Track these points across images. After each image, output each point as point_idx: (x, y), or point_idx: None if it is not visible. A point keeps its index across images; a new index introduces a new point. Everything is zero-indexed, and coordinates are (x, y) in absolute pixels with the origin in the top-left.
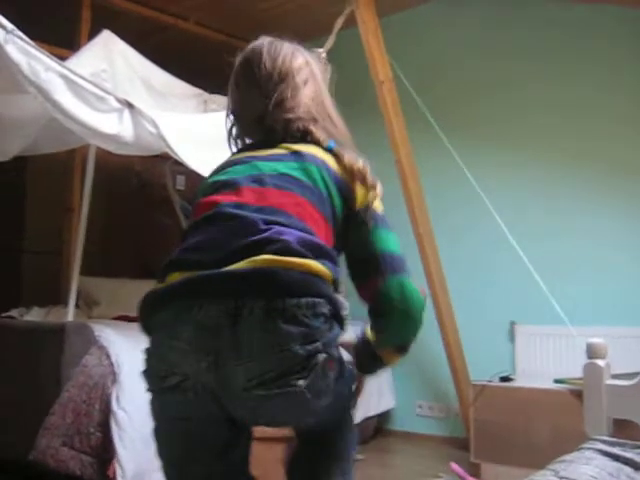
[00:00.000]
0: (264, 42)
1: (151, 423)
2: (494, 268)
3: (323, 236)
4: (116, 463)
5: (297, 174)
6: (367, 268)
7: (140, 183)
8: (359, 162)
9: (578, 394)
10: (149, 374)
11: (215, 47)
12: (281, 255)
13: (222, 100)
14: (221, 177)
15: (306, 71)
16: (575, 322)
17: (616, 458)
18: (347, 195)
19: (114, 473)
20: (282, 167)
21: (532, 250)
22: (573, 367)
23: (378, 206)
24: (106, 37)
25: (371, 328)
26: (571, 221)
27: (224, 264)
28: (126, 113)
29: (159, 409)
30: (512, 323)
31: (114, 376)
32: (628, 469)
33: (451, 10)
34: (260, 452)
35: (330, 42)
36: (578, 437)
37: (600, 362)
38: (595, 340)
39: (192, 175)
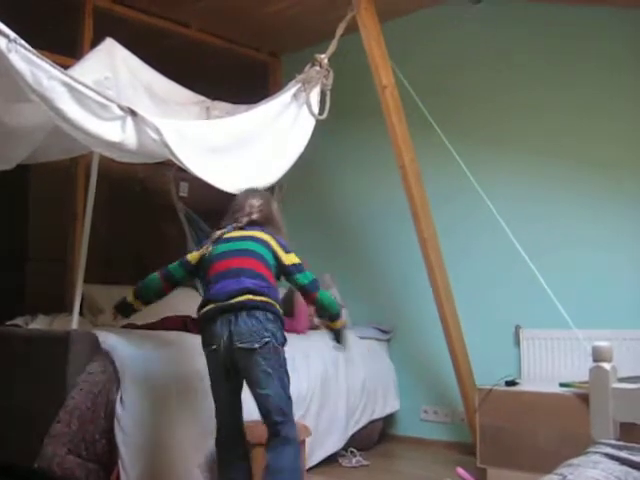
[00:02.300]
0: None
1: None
2: (498, 272)
3: (269, 275)
4: (120, 468)
5: (252, 248)
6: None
7: (143, 190)
8: (284, 241)
9: (584, 398)
10: (206, 345)
11: (217, 54)
12: (252, 294)
13: (224, 107)
14: (219, 251)
15: (266, 204)
16: (580, 325)
17: (623, 462)
18: (276, 257)
19: (118, 477)
20: (245, 245)
21: (536, 254)
22: (579, 370)
23: (295, 260)
24: (109, 45)
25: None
26: (575, 225)
27: (229, 299)
28: (129, 120)
29: (208, 360)
30: (517, 327)
31: (118, 382)
32: (636, 473)
33: (452, 14)
34: (263, 458)
35: (332, 48)
36: (585, 441)
37: (606, 365)
38: (601, 343)
39: (195, 182)
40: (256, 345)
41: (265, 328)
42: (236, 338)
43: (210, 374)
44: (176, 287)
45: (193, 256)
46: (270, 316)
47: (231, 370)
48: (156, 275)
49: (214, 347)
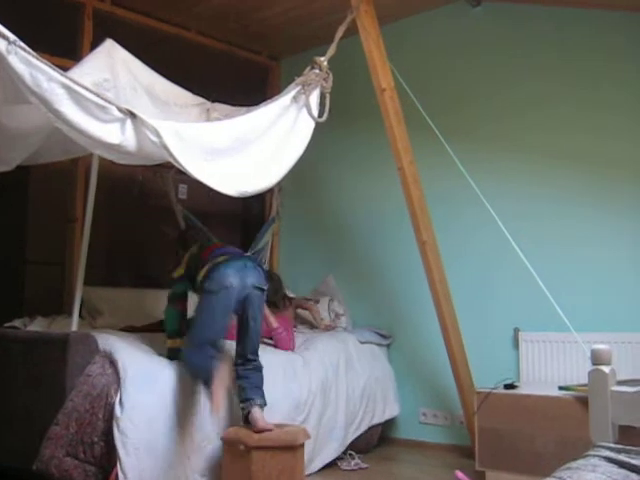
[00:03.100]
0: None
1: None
2: (497, 275)
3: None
4: (119, 470)
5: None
6: None
7: (142, 192)
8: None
9: (583, 401)
10: (217, 283)
11: (217, 57)
12: (250, 258)
13: (224, 109)
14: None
15: None
16: (579, 328)
17: (622, 465)
18: None
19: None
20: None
21: (536, 257)
22: (578, 373)
23: None
24: (108, 46)
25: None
26: (574, 227)
27: (237, 255)
28: (128, 122)
29: (217, 298)
30: (516, 330)
31: (118, 384)
32: (635, 476)
33: (451, 17)
34: (265, 462)
35: (332, 51)
36: (583, 444)
37: (605, 368)
38: (600, 346)
39: (194, 184)
40: (265, 286)
41: (264, 277)
42: (251, 280)
43: (217, 307)
44: (186, 299)
45: (178, 271)
46: (264, 273)
47: (238, 302)
48: (167, 306)
49: (228, 285)
